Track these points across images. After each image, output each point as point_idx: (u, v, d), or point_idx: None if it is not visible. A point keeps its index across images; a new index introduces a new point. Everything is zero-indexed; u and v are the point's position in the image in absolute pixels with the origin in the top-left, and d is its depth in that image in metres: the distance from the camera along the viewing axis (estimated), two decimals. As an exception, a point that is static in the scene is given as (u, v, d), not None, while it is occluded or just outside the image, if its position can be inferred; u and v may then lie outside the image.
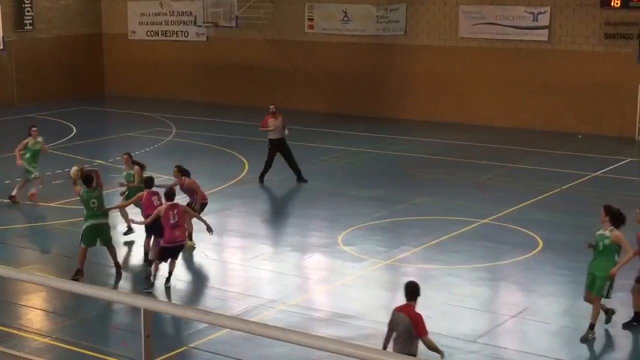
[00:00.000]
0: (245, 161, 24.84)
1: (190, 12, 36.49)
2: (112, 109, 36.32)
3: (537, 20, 29.81)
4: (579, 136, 28.45)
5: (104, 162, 24.92)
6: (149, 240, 16.05)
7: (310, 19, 34.22)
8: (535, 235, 17.78)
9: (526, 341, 13.14)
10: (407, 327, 10.53)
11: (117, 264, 15.78)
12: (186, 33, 37.09)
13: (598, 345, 12.96)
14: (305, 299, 14.81)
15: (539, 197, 20.86)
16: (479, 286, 15.35)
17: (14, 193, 20.50)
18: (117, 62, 39.18)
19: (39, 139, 20.99)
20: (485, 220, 18.91)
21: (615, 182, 22.84)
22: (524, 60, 30.10)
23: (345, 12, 33.38)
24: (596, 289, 13.04)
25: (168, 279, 15.11)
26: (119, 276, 15.70)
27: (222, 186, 22.07)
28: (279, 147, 22.47)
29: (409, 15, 32.20)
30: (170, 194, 15.51)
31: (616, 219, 13.24)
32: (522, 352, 12.69)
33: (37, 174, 20.53)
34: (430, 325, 13.53)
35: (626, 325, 13.51)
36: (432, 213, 19.48)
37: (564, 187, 21.86)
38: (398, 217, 19.02)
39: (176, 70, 37.43)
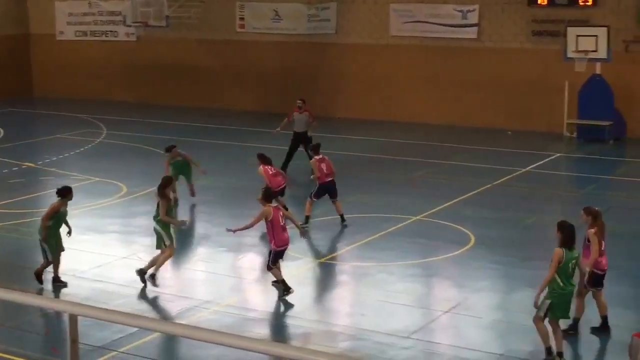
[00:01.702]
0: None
1: (120, 11, 36.08)
2: (41, 110, 35.72)
3: (466, 18, 30.12)
4: (509, 132, 28.81)
5: (32, 164, 24.51)
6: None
7: (241, 18, 34.09)
8: (467, 231, 17.94)
9: (459, 336, 13.24)
10: None
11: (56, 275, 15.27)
12: (116, 33, 36.66)
13: (531, 339, 13.10)
14: (240, 299, 14.73)
15: (471, 193, 21.06)
16: (413, 282, 15.43)
17: None
18: (45, 63, 38.55)
19: None
20: (418, 217, 19.03)
21: (545, 177, 23.16)
22: (454, 58, 30.37)
23: (276, 11, 33.33)
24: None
25: None
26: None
27: (154, 187, 21.79)
28: (301, 140, 23.24)
29: (339, 13, 32.28)
30: (271, 195, 15.03)
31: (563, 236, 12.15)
32: (456, 347, 12.77)
33: None
34: (364, 323, 13.61)
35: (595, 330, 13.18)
36: (365, 211, 19.53)
37: (495, 183, 22.11)
38: (331, 216, 19.02)
39: (106, 71, 36.96)
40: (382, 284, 15.23)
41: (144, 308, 14.25)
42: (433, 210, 19.46)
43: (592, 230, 12.89)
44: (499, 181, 22.30)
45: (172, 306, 14.43)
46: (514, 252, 16.84)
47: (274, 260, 14.57)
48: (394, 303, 14.38)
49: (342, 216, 18.44)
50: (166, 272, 16.36)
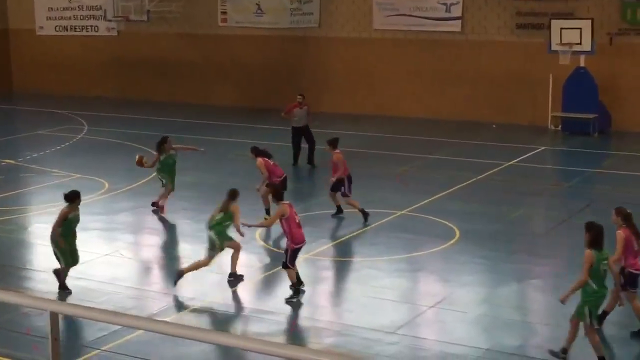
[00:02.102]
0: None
1: (100, 6, 35.80)
2: (21, 106, 35.41)
3: (449, 12, 30.03)
4: (494, 126, 28.75)
5: (13, 161, 24.26)
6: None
7: (224, 12, 33.89)
8: (452, 226, 17.84)
9: (445, 331, 13.15)
10: None
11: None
12: (96, 28, 36.37)
13: (515, 334, 13.02)
14: (224, 296, 14.58)
15: (456, 188, 20.97)
16: (398, 277, 15.32)
17: None
18: (25, 58, 38.23)
19: None
20: (403, 212, 18.92)
21: (529, 171, 23.12)
22: (438, 51, 30.29)
23: (259, 5, 33.15)
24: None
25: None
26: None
27: (137, 184, 21.65)
28: (302, 134, 23.64)
29: (322, 7, 32.13)
30: (281, 193, 14.65)
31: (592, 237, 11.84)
32: (442, 342, 12.69)
33: None
34: (349, 318, 13.49)
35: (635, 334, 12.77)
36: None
37: (479, 177, 22.02)
38: (316, 211, 18.90)
39: (87, 66, 36.68)
40: (368, 279, 15.11)
41: (127, 305, 14.07)
42: (418, 205, 19.35)
43: (620, 232, 12.58)
44: (484, 175, 22.21)
45: (155, 304, 14.27)
46: (500, 247, 16.77)
47: (292, 259, 14.19)
48: (380, 298, 14.27)
49: (339, 207, 18.51)
50: (150, 269, 16.21)
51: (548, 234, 17.96)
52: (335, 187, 18.32)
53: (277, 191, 14.61)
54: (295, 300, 14.13)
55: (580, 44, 26.96)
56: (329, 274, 15.93)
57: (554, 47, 27.37)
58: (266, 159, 18.36)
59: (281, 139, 24.81)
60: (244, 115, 31.46)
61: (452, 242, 16.97)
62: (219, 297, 14.46)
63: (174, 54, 34.69)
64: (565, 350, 11.88)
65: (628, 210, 12.91)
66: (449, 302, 14.13)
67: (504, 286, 14.87)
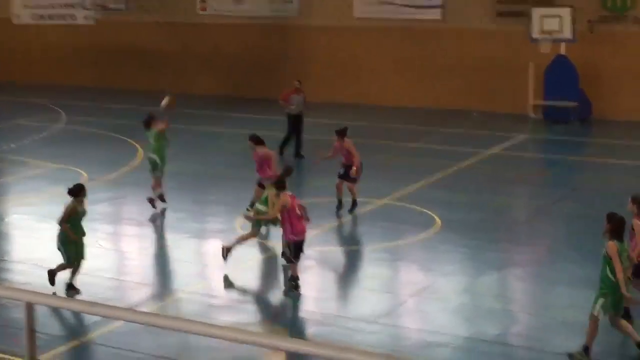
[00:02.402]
0: (138, 147, 24.19)
1: (78, -6, 35.48)
2: (-1, 96, 35.07)
3: (430, 0, 29.96)
4: (474, 114, 28.70)
5: (-10, 151, 24.01)
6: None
7: (202, 1, 33.66)
8: (433, 215, 17.78)
9: (427, 320, 13.11)
10: None
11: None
12: (74, 16, 36.03)
13: (497, 322, 12.99)
14: (204, 286, 14.47)
15: (437, 176, 20.92)
16: (379, 267, 15.26)
17: None
18: (1, 47, 37.83)
19: None
20: (384, 201, 18.86)
21: (511, 159, 23.12)
22: (419, 40, 30.21)
23: (238, -7, 32.93)
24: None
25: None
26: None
27: (115, 173, 21.48)
28: (299, 121, 22.86)
29: (303, -5, 31.98)
30: (285, 183, 14.17)
31: (614, 228, 11.42)
32: (423, 331, 12.64)
33: None
34: (331, 307, 13.41)
35: None
36: (333, 195, 19.29)
37: (461, 166, 21.98)
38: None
39: (64, 55, 36.36)
40: (349, 269, 15.05)
41: (107, 296, 13.93)
42: (399, 194, 19.28)
43: (637, 220, 12.27)
44: (465, 163, 22.17)
45: (135, 294, 14.14)
46: (481, 235, 16.73)
47: (296, 253, 13.79)
48: (361, 288, 14.21)
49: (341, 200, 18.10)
50: (129, 259, 16.08)
51: (529, 222, 17.94)
52: (347, 176, 17.77)
53: (280, 180, 14.22)
54: (294, 293, 13.82)
55: (560, 31, 26.96)
56: (311, 264, 15.82)
57: (535, 35, 27.36)
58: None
59: (265, 128, 24.62)
60: (224, 103, 31.28)
61: (433, 231, 16.91)
62: (199, 287, 14.34)
63: (153, 42, 34.44)
64: (586, 348, 11.42)
65: None
66: (430, 291, 14.07)
67: (486, 275, 14.82)
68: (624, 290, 11.22)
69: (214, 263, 15.73)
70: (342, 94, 31.35)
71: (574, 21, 26.89)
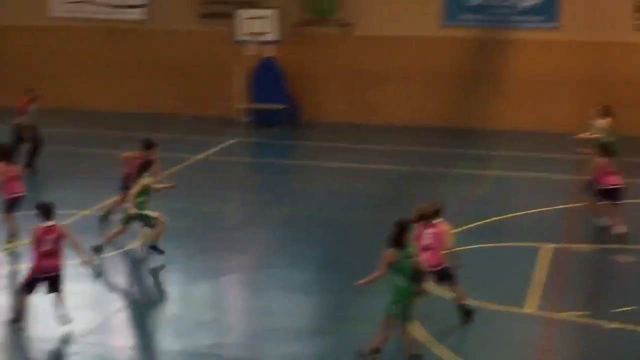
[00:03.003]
0: None
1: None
2: None
3: (133, -1, 29.09)
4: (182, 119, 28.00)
5: None
6: None
7: None
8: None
9: (135, 335, 12.59)
10: None
11: None
12: None
13: (210, 333, 12.35)
14: None
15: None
16: (83, 283, 14.05)
17: None
18: None
19: None
20: (85, 212, 17.70)
21: (220, 164, 22.82)
22: (123, 41, 29.16)
23: None
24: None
25: None
26: None
27: None
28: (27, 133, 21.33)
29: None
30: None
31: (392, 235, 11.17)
32: (131, 347, 12.00)
33: None
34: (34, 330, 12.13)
35: None
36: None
37: (168, 172, 21.12)
38: None
39: None
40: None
41: None
42: (101, 205, 18.06)
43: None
44: (172, 170, 21.34)
45: None
46: (191, 243, 16.15)
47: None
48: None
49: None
50: None
51: (240, 228, 17.56)
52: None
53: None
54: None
55: (265, 33, 26.93)
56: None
57: (240, 37, 27.17)
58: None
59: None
60: None
61: (139, 242, 15.97)
62: None
63: None
64: (377, 349, 11.19)
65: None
66: (137, 304, 13.50)
67: (197, 284, 14.38)
68: None
69: None
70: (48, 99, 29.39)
71: (279, 23, 26.93)
